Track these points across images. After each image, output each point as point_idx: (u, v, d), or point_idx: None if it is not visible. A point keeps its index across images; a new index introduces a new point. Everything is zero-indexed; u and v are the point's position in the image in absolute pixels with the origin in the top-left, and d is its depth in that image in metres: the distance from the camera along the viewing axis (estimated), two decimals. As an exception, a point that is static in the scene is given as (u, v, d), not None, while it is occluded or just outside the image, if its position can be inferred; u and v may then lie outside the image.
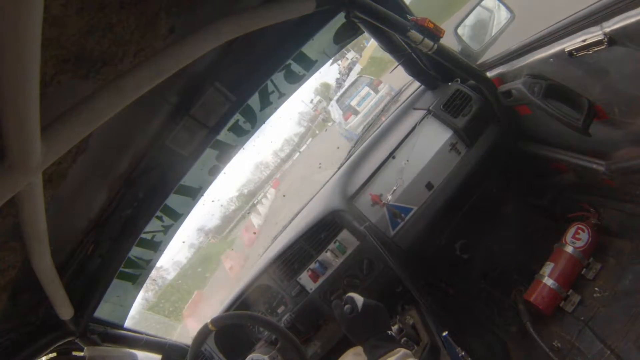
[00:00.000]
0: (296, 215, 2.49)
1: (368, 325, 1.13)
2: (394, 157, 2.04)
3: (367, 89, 10.85)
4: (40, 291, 1.11)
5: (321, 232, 2.04)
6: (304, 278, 2.02)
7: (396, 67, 2.09)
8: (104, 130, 0.86)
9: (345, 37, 1.70)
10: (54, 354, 1.35)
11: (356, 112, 10.49)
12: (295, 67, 1.60)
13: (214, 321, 1.43)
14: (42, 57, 0.56)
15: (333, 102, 12.22)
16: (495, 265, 2.41)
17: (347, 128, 10.40)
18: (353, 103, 10.72)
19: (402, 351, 1.00)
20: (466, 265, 2.41)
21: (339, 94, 12.25)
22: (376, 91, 10.74)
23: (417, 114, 2.13)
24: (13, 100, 0.56)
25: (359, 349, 1.63)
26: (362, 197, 2.01)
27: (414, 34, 1.52)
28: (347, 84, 13.21)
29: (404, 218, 1.97)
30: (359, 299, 1.18)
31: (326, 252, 2.00)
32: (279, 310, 2.07)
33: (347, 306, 1.17)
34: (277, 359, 1.48)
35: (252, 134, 1.66)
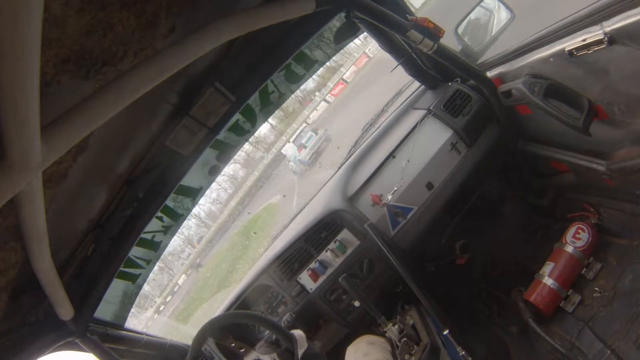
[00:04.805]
0: (296, 215, 2.49)
1: None
2: (394, 157, 2.04)
3: (310, 132, 19.14)
4: (40, 291, 1.11)
5: (321, 231, 2.03)
6: (304, 278, 2.02)
7: (396, 67, 2.09)
8: (104, 130, 0.86)
9: (345, 37, 1.70)
10: None
11: (305, 147, 18.25)
12: (296, 67, 1.60)
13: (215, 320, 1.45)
14: (42, 57, 0.56)
15: (289, 144, 20.80)
16: (495, 265, 2.41)
17: (300, 158, 18.34)
18: (303, 142, 18.75)
19: None
20: (466, 265, 2.40)
21: (292, 138, 21.04)
22: (317, 133, 18.71)
23: (418, 114, 2.13)
24: (13, 100, 0.56)
25: (372, 338, 1.63)
26: (363, 197, 2.01)
27: (414, 34, 1.52)
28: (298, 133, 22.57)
29: (405, 218, 1.97)
30: (302, 344, 1.28)
31: (326, 251, 2.00)
32: (279, 310, 2.07)
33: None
34: None
35: (252, 134, 1.66)
